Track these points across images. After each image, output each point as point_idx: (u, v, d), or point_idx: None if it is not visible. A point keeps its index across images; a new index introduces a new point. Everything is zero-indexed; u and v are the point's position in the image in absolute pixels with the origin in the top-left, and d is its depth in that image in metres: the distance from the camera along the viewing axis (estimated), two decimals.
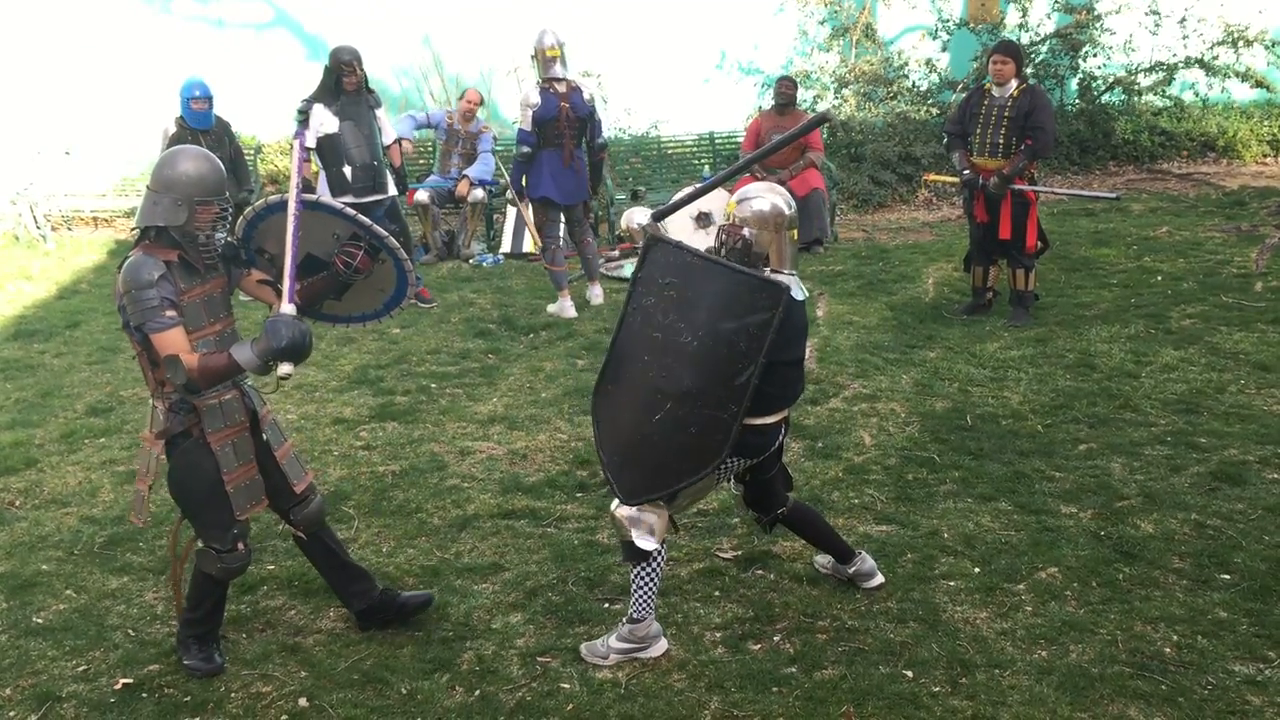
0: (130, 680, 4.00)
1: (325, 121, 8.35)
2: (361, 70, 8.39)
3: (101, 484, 5.69)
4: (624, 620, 4.09)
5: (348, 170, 8.41)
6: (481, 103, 10.75)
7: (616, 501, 4.02)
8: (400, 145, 8.90)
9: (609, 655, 4.04)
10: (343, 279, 4.11)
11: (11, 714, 3.84)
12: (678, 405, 3.83)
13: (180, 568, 4.20)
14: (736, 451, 3.96)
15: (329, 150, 8.40)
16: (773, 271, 4.03)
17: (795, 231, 4.13)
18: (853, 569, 4.47)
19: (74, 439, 6.28)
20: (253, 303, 4.51)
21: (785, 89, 10.63)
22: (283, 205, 3.96)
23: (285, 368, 3.75)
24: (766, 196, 4.08)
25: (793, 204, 4.12)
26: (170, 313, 3.72)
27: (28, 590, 4.65)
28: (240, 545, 4.01)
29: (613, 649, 4.05)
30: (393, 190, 8.76)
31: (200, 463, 3.89)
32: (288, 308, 3.81)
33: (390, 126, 8.77)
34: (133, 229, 3.98)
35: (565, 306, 8.50)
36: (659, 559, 4.03)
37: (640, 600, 4.04)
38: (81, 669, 4.09)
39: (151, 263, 3.74)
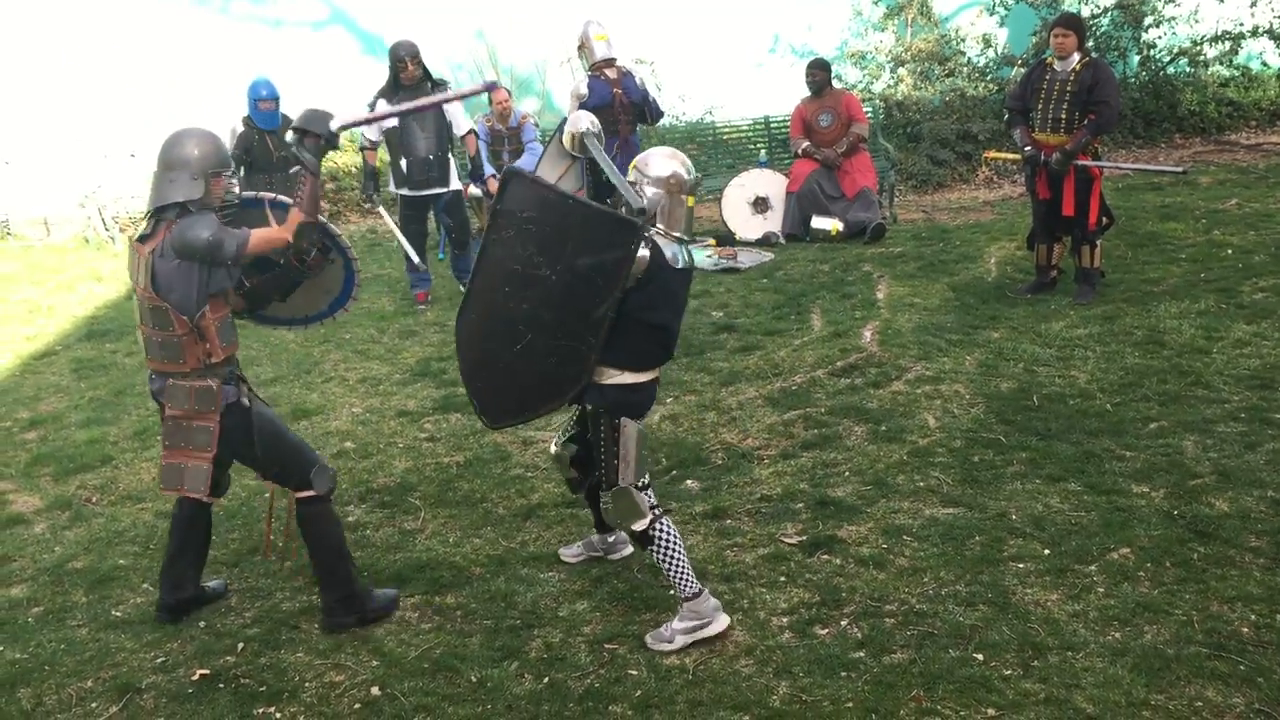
0: (207, 671, 4.08)
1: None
2: (418, 64, 8.45)
3: None
4: (679, 603, 4.11)
5: (404, 163, 8.48)
6: (509, 99, 10.74)
7: (603, 503, 4.14)
8: (475, 135, 8.90)
9: (674, 639, 4.05)
10: (294, 276, 4.31)
11: (93, 705, 3.94)
12: (538, 336, 4.00)
13: (290, 528, 4.42)
14: (625, 413, 4.04)
15: (393, 143, 8.51)
16: (662, 234, 4.02)
17: (692, 198, 4.14)
18: (613, 538, 4.63)
19: (147, 436, 6.40)
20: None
21: (814, 74, 10.47)
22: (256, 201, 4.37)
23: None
24: (666, 161, 4.12)
25: (692, 170, 4.16)
26: (239, 227, 4.04)
27: (106, 584, 4.76)
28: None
29: (677, 631, 4.06)
30: (455, 184, 8.76)
31: (270, 413, 4.28)
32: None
33: (463, 118, 8.73)
34: (144, 215, 4.11)
35: None
36: (665, 533, 4.09)
37: (679, 577, 4.08)
38: (160, 661, 4.18)
39: (205, 214, 3.98)
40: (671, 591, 4.40)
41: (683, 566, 4.08)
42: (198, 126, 4.13)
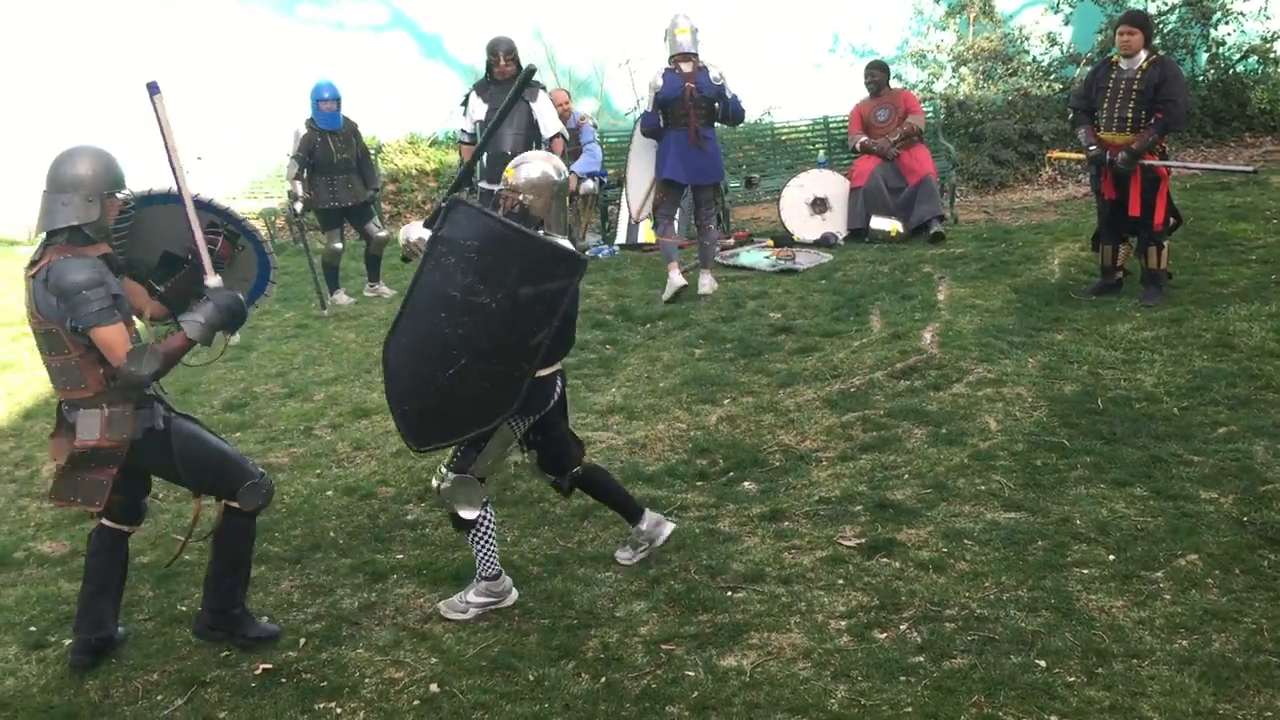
0: (269, 666, 4.13)
1: (476, 109, 8.66)
2: (512, 60, 8.56)
3: None
4: (477, 578, 4.37)
5: (484, 157, 8.56)
6: (569, 100, 10.78)
7: (435, 480, 4.31)
8: (563, 139, 8.89)
9: (468, 609, 4.36)
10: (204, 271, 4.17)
11: (159, 697, 4.01)
12: (473, 361, 4.06)
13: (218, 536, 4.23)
14: (528, 410, 4.22)
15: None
16: (546, 234, 4.19)
17: (566, 198, 4.40)
18: (644, 525, 4.61)
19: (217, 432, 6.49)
20: None
21: (873, 74, 10.47)
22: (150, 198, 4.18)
23: (235, 338, 4.03)
24: (538, 164, 4.33)
25: (563, 171, 4.38)
26: (116, 310, 3.77)
27: (172, 580, 4.84)
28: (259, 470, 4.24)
29: (471, 603, 4.36)
30: None
31: (192, 428, 4.14)
32: (215, 279, 4.01)
33: (553, 120, 8.73)
34: (33, 237, 3.92)
35: (674, 279, 8.51)
36: (486, 520, 4.33)
37: (484, 559, 4.34)
38: (223, 655, 4.24)
39: (90, 261, 3.77)
40: (731, 593, 4.41)
41: (491, 549, 4.34)
42: (90, 145, 3.90)
